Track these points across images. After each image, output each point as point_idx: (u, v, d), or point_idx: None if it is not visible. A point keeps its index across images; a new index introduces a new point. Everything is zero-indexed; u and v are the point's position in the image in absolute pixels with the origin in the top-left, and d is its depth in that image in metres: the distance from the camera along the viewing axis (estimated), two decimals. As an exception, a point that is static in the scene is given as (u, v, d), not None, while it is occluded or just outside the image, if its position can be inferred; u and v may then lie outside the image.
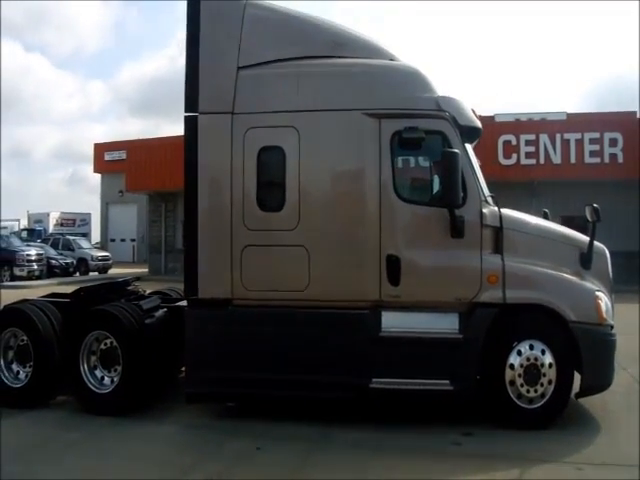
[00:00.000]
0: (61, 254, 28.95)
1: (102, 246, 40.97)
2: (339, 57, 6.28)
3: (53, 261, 27.19)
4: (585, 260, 6.17)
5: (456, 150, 5.76)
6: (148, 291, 8.30)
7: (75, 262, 28.82)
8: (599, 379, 6.03)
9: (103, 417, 6.46)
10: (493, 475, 4.92)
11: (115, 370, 6.72)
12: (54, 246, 30.10)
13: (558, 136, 22.00)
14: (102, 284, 8.31)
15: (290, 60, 6.27)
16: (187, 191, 6.37)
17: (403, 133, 5.91)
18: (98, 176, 45.79)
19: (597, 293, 6.02)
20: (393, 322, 6.06)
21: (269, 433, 5.97)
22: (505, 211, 6.18)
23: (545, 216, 7.64)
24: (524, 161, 22.36)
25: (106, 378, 6.79)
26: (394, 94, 6.07)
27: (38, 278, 24.86)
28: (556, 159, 22.06)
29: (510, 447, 5.51)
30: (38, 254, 26.05)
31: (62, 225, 45.32)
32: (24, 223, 48.22)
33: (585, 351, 5.84)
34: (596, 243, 6.43)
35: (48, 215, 45.06)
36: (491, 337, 5.93)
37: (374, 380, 5.95)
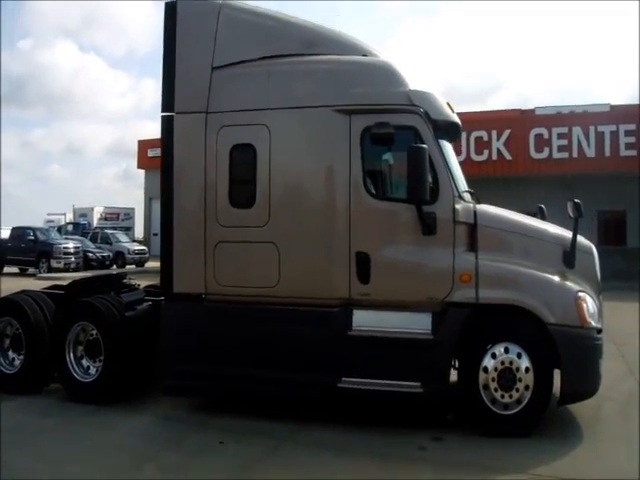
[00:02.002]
0: (99, 247, 29.72)
1: (145, 240, 41.82)
2: (312, 55, 6.21)
3: (90, 254, 27.93)
4: (568, 259, 5.86)
5: (422, 145, 5.59)
6: (143, 285, 8.42)
7: (112, 255, 29.49)
8: (580, 386, 5.72)
9: (86, 405, 6.64)
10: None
11: (100, 360, 6.88)
12: (93, 239, 30.95)
13: (592, 129, 21.23)
14: (96, 276, 8.50)
15: (263, 59, 6.26)
16: (163, 189, 6.47)
17: (373, 129, 5.79)
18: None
19: (580, 294, 5.71)
20: (364, 321, 5.96)
21: (238, 428, 6.00)
22: (481, 207, 6.00)
23: (541, 212, 7.40)
24: (556, 155, 21.69)
25: (92, 368, 7.00)
26: (364, 89, 5.95)
27: (75, 270, 25.56)
28: (590, 152, 21.31)
29: (475, 455, 5.29)
30: (75, 247, 26.85)
31: (106, 219, 46.44)
32: (70, 217, 49.69)
33: (565, 355, 5.56)
34: (583, 241, 6.17)
35: (92, 209, 46.27)
36: (464, 338, 5.76)
37: (343, 379, 5.87)
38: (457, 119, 6.39)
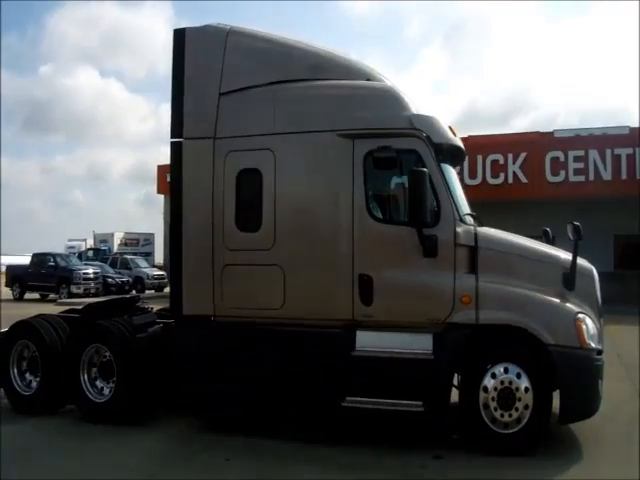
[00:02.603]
0: (119, 273, 30.20)
1: (164, 265, 42.27)
2: (317, 79, 6.42)
3: (109, 279, 28.39)
4: (568, 280, 5.93)
5: (423, 169, 5.73)
6: (156, 308, 8.63)
7: (131, 280, 29.92)
8: (579, 406, 5.78)
9: (100, 425, 6.81)
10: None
11: (113, 381, 7.07)
12: (113, 265, 31.46)
13: (608, 151, 21.20)
14: (110, 300, 8.75)
15: (269, 85, 6.48)
16: (172, 213, 6.71)
17: (375, 152, 5.96)
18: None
19: (579, 315, 5.77)
20: (367, 342, 6.07)
21: (244, 446, 6.14)
22: (482, 230, 6.12)
23: (545, 235, 7.48)
24: (573, 178, 21.66)
25: (105, 389, 7.17)
26: (366, 114, 6.12)
27: (95, 295, 25.95)
28: (606, 175, 21.25)
29: (473, 473, 5.37)
30: (95, 272, 27.34)
31: (126, 245, 47.03)
32: (90, 243, 50.43)
33: (564, 376, 5.62)
34: (583, 263, 6.23)
35: (112, 235, 46.94)
36: (465, 359, 5.87)
37: (347, 399, 5.97)
38: (460, 143, 6.53)
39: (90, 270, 27.43)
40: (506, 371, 5.79)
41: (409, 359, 5.92)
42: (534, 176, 21.39)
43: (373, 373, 5.99)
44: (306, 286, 6.22)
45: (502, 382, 5.77)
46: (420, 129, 6.00)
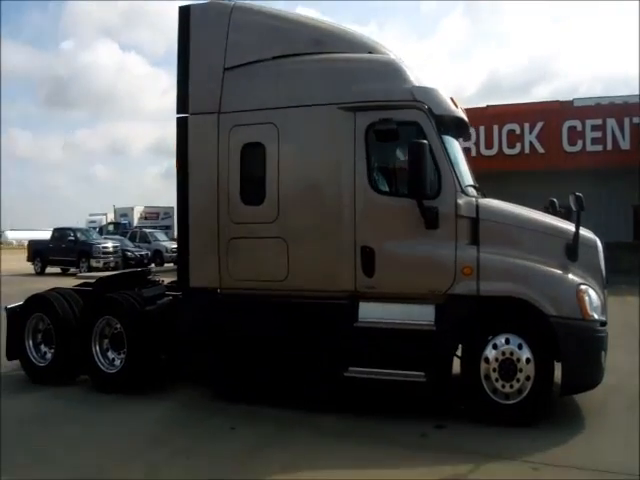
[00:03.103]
0: (138, 246, 30.55)
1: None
2: (320, 53, 6.41)
3: (129, 253, 28.75)
4: (571, 252, 5.90)
5: (423, 141, 5.72)
6: (167, 280, 8.78)
7: (150, 254, 30.25)
8: (581, 377, 5.79)
9: (111, 394, 7.03)
10: (440, 470, 4.86)
11: (124, 352, 7.26)
12: (132, 239, 31.83)
13: (627, 120, 20.75)
14: (121, 273, 8.93)
15: (272, 59, 6.49)
16: (179, 187, 6.78)
17: (377, 125, 5.96)
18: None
19: (581, 286, 5.75)
20: (370, 313, 6.15)
21: (249, 415, 6.30)
22: (483, 201, 6.10)
23: (552, 206, 7.43)
24: (590, 147, 21.29)
25: (116, 359, 7.37)
26: (368, 87, 6.11)
27: (114, 269, 26.31)
28: (624, 144, 20.84)
29: (473, 442, 5.42)
30: (114, 246, 27.72)
31: (146, 218, 47.59)
32: (111, 217, 51.04)
33: (565, 347, 5.63)
34: (587, 234, 6.20)
35: (132, 209, 47.46)
36: (466, 330, 5.91)
37: (350, 369, 6.07)
38: (462, 114, 6.48)
39: (109, 244, 27.82)
40: (507, 342, 5.82)
41: (411, 330, 5.98)
42: (551, 146, 21.04)
43: (375, 344, 6.06)
44: (309, 258, 6.29)
45: (503, 353, 5.81)
46: (421, 101, 5.97)
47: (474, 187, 6.36)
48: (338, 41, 6.51)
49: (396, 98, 6.04)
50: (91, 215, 54.46)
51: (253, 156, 6.47)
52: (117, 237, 31.18)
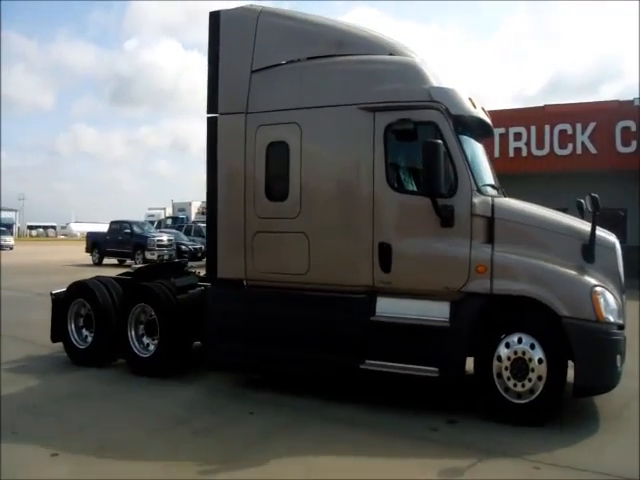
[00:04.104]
0: (192, 240, 31.40)
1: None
2: (342, 55, 6.61)
3: (183, 246, 29.58)
4: (587, 253, 5.90)
5: (437, 140, 5.83)
6: (202, 272, 9.16)
7: (204, 247, 30.94)
8: (594, 380, 5.76)
9: (144, 377, 7.48)
10: (441, 464, 4.97)
11: (157, 338, 7.68)
12: (187, 232, 32.76)
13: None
14: (159, 264, 9.39)
15: (297, 62, 6.78)
16: (209, 183, 7.13)
17: (395, 125, 6.14)
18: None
19: (596, 288, 5.73)
20: (387, 308, 6.31)
21: (270, 401, 6.60)
22: (499, 201, 6.17)
23: (579, 207, 7.36)
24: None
25: (151, 345, 7.81)
26: (387, 87, 6.27)
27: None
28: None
29: (481, 439, 5.49)
30: (169, 239, 28.61)
31: (202, 213, 48.59)
32: (169, 211, 52.55)
33: (578, 349, 5.63)
34: (605, 235, 6.18)
35: (190, 204, 48.76)
36: (480, 327, 5.99)
37: (366, 362, 6.25)
38: (481, 115, 6.54)
39: (164, 237, 28.73)
40: (520, 341, 5.86)
41: (426, 326, 6.11)
42: (603, 146, 20.44)
43: (391, 338, 6.23)
44: (329, 253, 6.51)
45: (515, 352, 5.85)
46: (438, 101, 6.09)
47: (492, 187, 6.42)
48: (360, 43, 6.69)
49: (414, 98, 6.18)
50: (150, 209, 56.29)
51: (277, 154, 6.74)
52: (173, 231, 32.13)
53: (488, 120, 6.78)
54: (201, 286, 8.06)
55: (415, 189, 6.32)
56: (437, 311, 6.13)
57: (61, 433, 5.60)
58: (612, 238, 6.23)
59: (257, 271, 6.86)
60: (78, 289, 8.42)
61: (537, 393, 5.79)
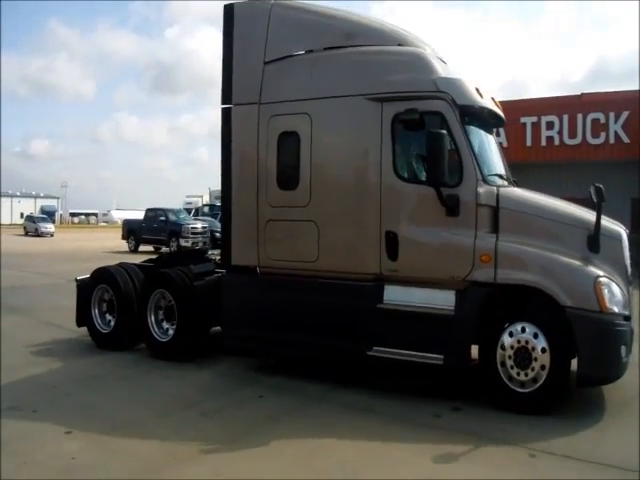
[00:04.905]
0: (226, 228, 31.60)
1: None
2: (352, 46, 6.69)
3: (217, 233, 29.81)
4: (592, 243, 5.85)
5: (441, 131, 5.86)
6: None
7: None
8: (597, 370, 5.73)
9: (163, 361, 7.77)
10: (438, 449, 5.04)
11: (176, 323, 7.94)
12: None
13: None
14: (182, 251, 9.63)
15: (308, 53, 6.90)
16: (223, 173, 7.33)
17: (402, 115, 6.20)
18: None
19: (600, 279, 5.68)
20: (394, 295, 6.41)
21: (279, 385, 6.80)
22: (504, 190, 6.16)
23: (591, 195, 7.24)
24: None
25: (170, 330, 8.07)
26: (394, 78, 6.32)
27: (212, 249, 27.16)
28: None
29: (482, 426, 5.54)
30: (203, 227, 29.02)
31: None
32: (206, 199, 53.18)
33: (581, 339, 5.61)
34: (611, 225, 6.12)
35: (225, 192, 49.06)
36: (484, 316, 6.02)
37: (374, 348, 6.38)
38: (489, 104, 6.52)
39: (199, 225, 29.11)
40: (523, 330, 5.88)
41: (431, 314, 6.18)
42: (636, 135, 19.92)
43: (398, 325, 6.32)
44: (337, 241, 6.64)
45: (519, 341, 5.88)
46: (445, 91, 6.11)
47: (500, 177, 6.43)
48: (369, 34, 6.76)
49: (420, 89, 6.22)
50: (188, 197, 57.00)
51: (289, 144, 6.88)
52: (208, 218, 32.46)
53: (497, 110, 6.77)
54: (218, 273, 8.29)
55: (421, 179, 6.36)
56: (442, 299, 6.19)
57: (77, 412, 5.89)
58: (618, 228, 6.17)
59: (269, 258, 7.03)
60: (101, 275, 8.73)
61: (540, 382, 5.80)
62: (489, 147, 6.65)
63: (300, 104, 6.79)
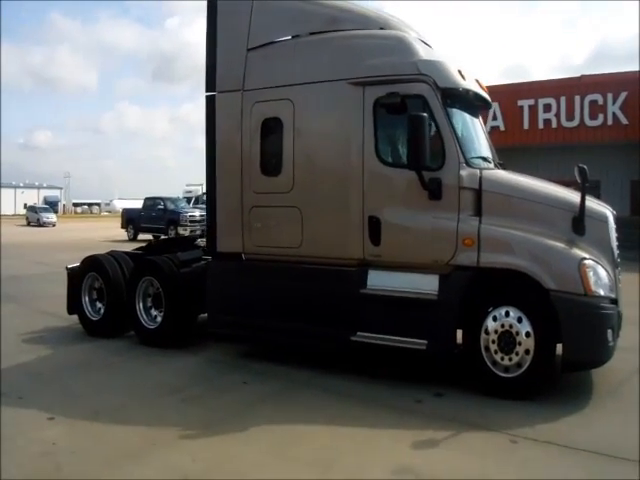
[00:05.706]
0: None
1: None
2: (334, 31, 6.62)
3: (215, 221, 29.91)
4: (577, 226, 5.80)
5: (421, 114, 5.78)
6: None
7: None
8: (582, 355, 5.67)
9: (150, 348, 7.80)
10: (418, 434, 5.02)
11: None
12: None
13: None
14: (170, 239, 9.65)
15: (290, 39, 6.84)
16: (208, 160, 7.30)
17: (383, 99, 6.14)
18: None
19: (585, 261, 5.61)
20: (378, 280, 6.37)
21: (264, 372, 6.79)
22: (487, 173, 6.09)
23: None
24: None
25: (158, 317, 8.08)
26: (376, 62, 6.25)
27: (200, 237, 27.38)
28: None
29: (465, 412, 5.50)
30: (201, 215, 28.90)
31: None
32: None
33: (565, 323, 5.54)
34: (596, 207, 6.05)
35: (225, 180, 48.94)
36: (468, 301, 5.98)
37: (358, 334, 6.35)
38: (472, 86, 6.44)
39: (196, 213, 29.12)
40: (507, 314, 5.82)
41: (415, 299, 6.13)
42: (635, 117, 19.74)
43: (381, 310, 6.30)
44: (321, 226, 6.61)
45: (502, 325, 5.82)
46: (426, 74, 6.04)
47: (485, 159, 6.36)
48: (351, 19, 6.69)
49: (402, 72, 6.15)
50: (187, 185, 56.85)
51: (272, 130, 6.83)
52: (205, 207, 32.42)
53: (482, 92, 6.69)
54: (205, 260, 8.27)
55: (404, 163, 6.27)
56: (426, 284, 6.14)
57: (61, 399, 5.91)
58: (604, 209, 6.10)
59: (254, 245, 7.01)
60: (91, 263, 8.74)
61: (525, 367, 5.75)
62: (473, 130, 6.59)
63: (282, 90, 6.73)
